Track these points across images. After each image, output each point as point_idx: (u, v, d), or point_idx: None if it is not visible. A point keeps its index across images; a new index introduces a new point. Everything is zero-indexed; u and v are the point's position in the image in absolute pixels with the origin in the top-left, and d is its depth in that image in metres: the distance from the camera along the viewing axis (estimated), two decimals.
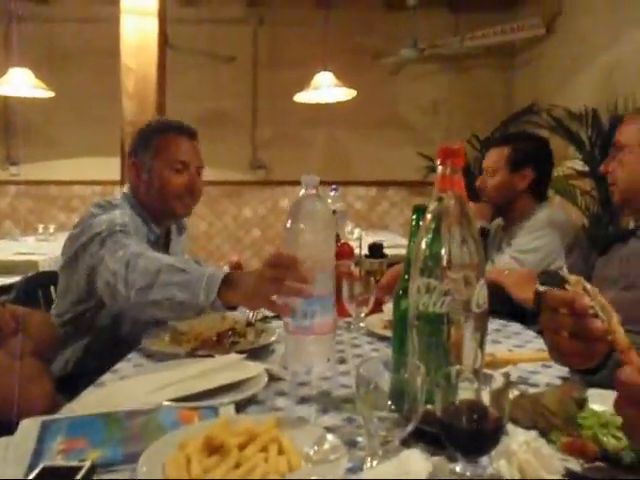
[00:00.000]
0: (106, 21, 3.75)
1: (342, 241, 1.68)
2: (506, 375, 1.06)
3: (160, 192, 1.65)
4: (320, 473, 0.70)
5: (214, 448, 0.72)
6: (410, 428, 0.72)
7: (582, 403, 0.89)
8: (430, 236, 0.78)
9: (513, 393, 0.91)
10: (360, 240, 1.87)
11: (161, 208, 1.68)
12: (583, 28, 3.72)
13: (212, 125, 4.76)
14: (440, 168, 0.79)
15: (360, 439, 0.83)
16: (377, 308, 1.49)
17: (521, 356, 1.18)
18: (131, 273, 1.31)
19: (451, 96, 4.84)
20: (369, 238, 2.45)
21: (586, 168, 3.09)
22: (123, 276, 1.32)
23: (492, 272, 1.69)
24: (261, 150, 4.91)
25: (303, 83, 3.78)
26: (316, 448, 0.75)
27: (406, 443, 0.76)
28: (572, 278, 0.78)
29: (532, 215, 1.99)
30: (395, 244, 2.87)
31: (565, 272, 0.81)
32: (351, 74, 3.93)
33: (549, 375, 1.12)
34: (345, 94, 3.90)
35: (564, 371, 1.10)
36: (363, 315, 1.43)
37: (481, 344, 0.78)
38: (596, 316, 0.74)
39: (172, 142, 1.68)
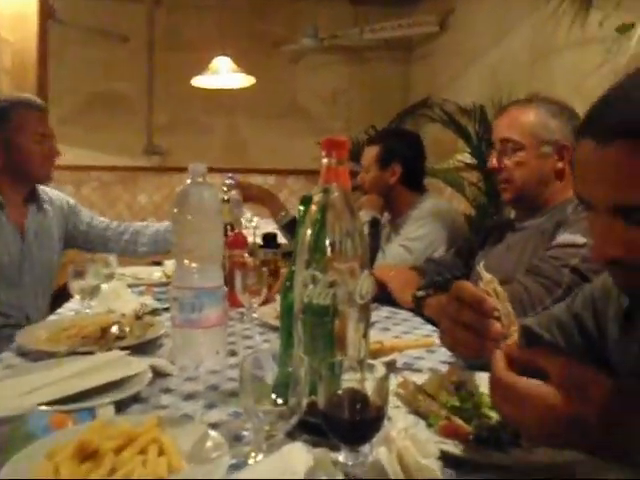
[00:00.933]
0: None
1: (236, 230, 1.66)
2: (391, 362, 1.09)
3: (22, 163, 1.85)
4: (201, 473, 0.68)
5: (87, 454, 0.68)
6: (294, 421, 0.72)
7: (460, 386, 0.93)
8: (315, 227, 0.78)
9: (398, 380, 0.94)
10: (254, 230, 1.85)
11: (23, 177, 1.89)
12: (473, 26, 3.90)
13: (104, 107, 4.51)
14: (325, 160, 0.79)
15: (246, 433, 0.82)
16: (271, 298, 1.48)
17: (407, 343, 1.22)
18: None
19: (350, 87, 4.91)
20: (268, 227, 2.44)
21: (474, 161, 3.27)
22: None
23: (379, 269, 1.74)
24: (157, 135, 4.71)
25: (201, 67, 3.66)
26: (198, 446, 0.73)
27: (291, 435, 0.76)
28: (486, 277, 0.80)
29: (417, 205, 2.10)
30: None
31: (482, 268, 0.82)
32: (251, 60, 3.86)
33: (433, 360, 1.16)
34: (244, 81, 3.82)
35: (447, 355, 1.15)
36: (256, 305, 1.41)
37: (365, 334, 0.79)
38: (498, 319, 0.77)
39: (30, 116, 1.87)
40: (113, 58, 4.53)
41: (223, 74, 3.69)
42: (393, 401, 0.89)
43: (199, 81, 3.81)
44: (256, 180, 4.88)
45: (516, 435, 0.76)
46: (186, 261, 1.06)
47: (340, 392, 0.72)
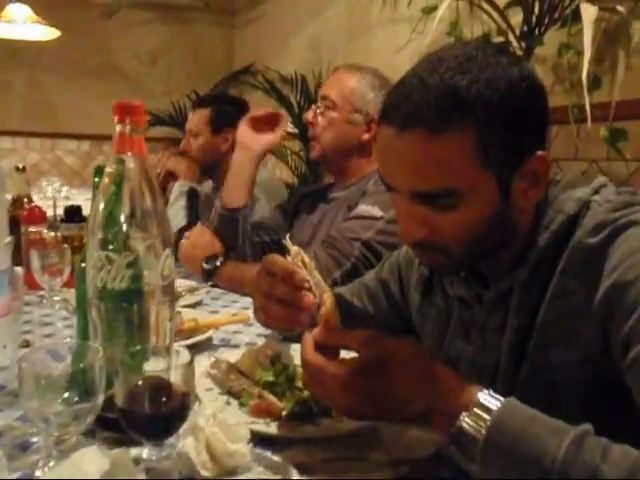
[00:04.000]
0: None
1: (33, 204, 1.47)
2: (207, 340, 1.05)
3: None
4: None
5: None
6: (90, 420, 0.64)
7: (275, 359, 0.93)
8: (109, 202, 0.69)
9: (210, 359, 0.91)
10: (55, 201, 1.66)
11: None
12: None
13: None
14: (118, 126, 0.70)
15: (35, 440, 0.72)
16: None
17: (223, 319, 1.18)
18: None
19: (171, 48, 4.63)
20: (81, 197, 2.22)
21: (296, 130, 3.30)
22: None
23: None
24: None
25: None
26: None
27: (90, 434, 0.69)
28: (293, 249, 0.78)
29: None
30: None
31: (288, 241, 0.80)
32: (54, 11, 3.44)
33: (250, 334, 1.15)
34: (46, 33, 3.40)
35: (263, 329, 1.14)
36: (58, 287, 1.27)
37: (170, 317, 0.74)
38: (310, 289, 0.76)
39: None
40: None
41: (19, 24, 3.24)
42: (206, 383, 0.85)
43: None
44: (68, 146, 4.44)
45: (327, 406, 0.78)
46: None
47: (140, 383, 0.66)
